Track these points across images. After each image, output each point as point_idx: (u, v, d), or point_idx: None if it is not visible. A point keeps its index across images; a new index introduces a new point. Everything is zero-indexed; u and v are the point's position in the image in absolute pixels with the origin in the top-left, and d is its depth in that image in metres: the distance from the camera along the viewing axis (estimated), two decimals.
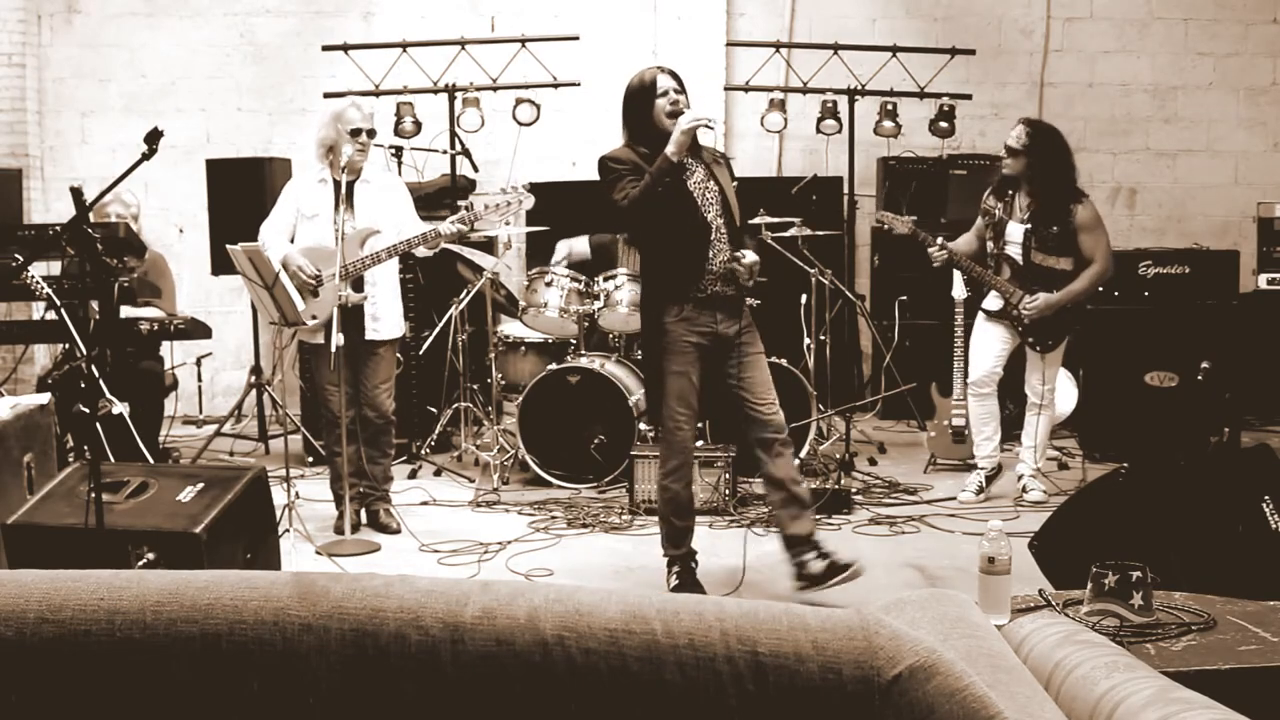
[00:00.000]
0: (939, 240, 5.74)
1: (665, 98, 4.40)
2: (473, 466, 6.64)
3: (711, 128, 4.35)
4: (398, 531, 5.45)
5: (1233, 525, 3.59)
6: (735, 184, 4.56)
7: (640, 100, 4.46)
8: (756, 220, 6.52)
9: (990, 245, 5.81)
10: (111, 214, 6.32)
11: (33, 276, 5.22)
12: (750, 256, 4.42)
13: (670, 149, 4.28)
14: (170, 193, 8.40)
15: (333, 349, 4.96)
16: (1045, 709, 1.50)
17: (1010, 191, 5.74)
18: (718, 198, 4.45)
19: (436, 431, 7.00)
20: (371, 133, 5.33)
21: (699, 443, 6.13)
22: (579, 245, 6.92)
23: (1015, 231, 5.72)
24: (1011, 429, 6.46)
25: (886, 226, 5.93)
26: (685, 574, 4.56)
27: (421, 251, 5.35)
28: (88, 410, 3.98)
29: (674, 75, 4.47)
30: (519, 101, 7.64)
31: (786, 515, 4.49)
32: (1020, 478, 5.90)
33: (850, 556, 4.45)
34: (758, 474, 4.70)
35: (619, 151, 4.48)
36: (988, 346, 5.83)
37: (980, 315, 5.89)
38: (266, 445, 7.36)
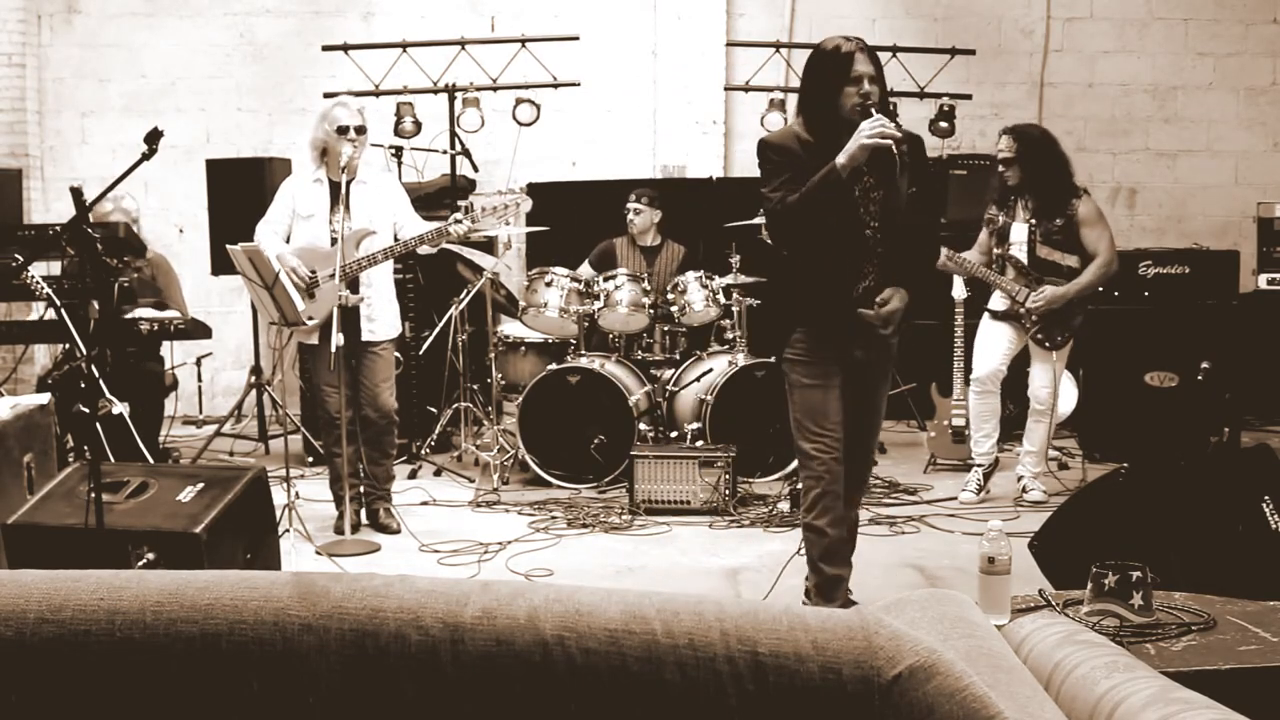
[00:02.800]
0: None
1: (857, 86, 3.68)
2: (473, 466, 6.64)
3: (900, 150, 3.67)
4: (398, 531, 5.45)
5: (1233, 525, 3.59)
6: (913, 189, 3.82)
7: (827, 74, 3.71)
8: (757, 220, 6.50)
9: (994, 250, 5.83)
10: (113, 215, 6.32)
11: (33, 276, 5.22)
12: (893, 302, 3.80)
13: (841, 159, 3.62)
14: (170, 193, 8.40)
15: (332, 349, 4.95)
16: (1045, 709, 1.50)
17: (1013, 198, 5.77)
18: (882, 210, 3.80)
19: (436, 431, 7.00)
20: (361, 129, 5.24)
21: (698, 442, 6.15)
22: (583, 271, 6.90)
23: (1019, 231, 5.74)
24: (1012, 429, 6.46)
25: None
26: None
27: (423, 249, 5.34)
28: (88, 410, 3.99)
29: (873, 58, 3.74)
30: (519, 101, 7.64)
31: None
32: (1020, 478, 5.90)
33: (861, 593, 4.18)
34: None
35: (780, 136, 3.86)
36: (993, 345, 5.83)
37: (985, 315, 5.90)
38: (266, 445, 7.36)
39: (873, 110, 3.67)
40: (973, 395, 5.93)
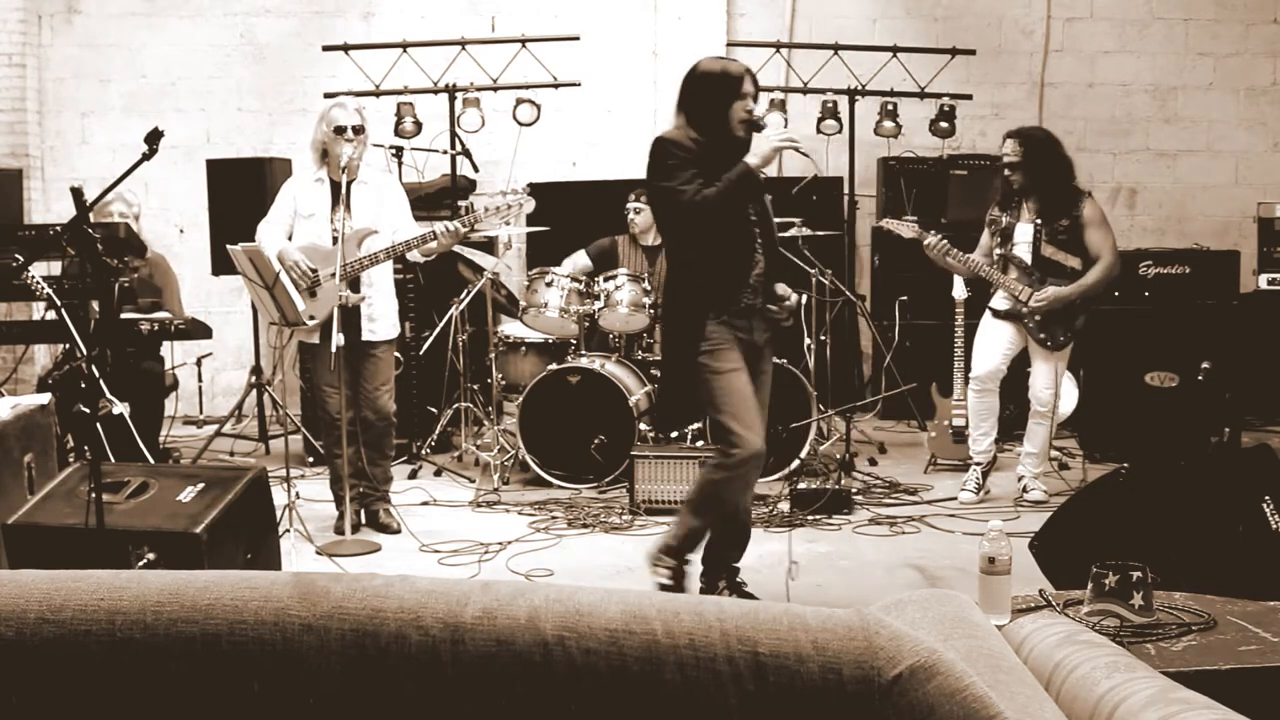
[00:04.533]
0: (936, 234, 5.83)
1: (744, 102, 4.15)
2: (473, 466, 6.64)
3: (806, 154, 4.21)
4: (398, 531, 5.45)
5: (1233, 525, 3.59)
6: (770, 198, 4.36)
7: (718, 91, 4.16)
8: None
9: (997, 250, 5.83)
10: (114, 213, 6.32)
11: (33, 276, 5.22)
12: (792, 299, 4.28)
13: (754, 160, 4.07)
14: (170, 193, 8.40)
15: (333, 349, 4.95)
16: (1045, 709, 1.50)
17: (1017, 199, 5.77)
18: (758, 206, 4.28)
19: (437, 432, 7.00)
20: (359, 129, 5.25)
21: (698, 442, 6.15)
22: (580, 260, 6.91)
23: (1024, 231, 5.74)
24: (1012, 429, 6.47)
25: (891, 232, 5.97)
26: (678, 577, 4.31)
27: (415, 256, 5.34)
28: (88, 410, 3.98)
29: (755, 80, 4.22)
30: (519, 101, 7.64)
31: (721, 545, 4.35)
32: (1020, 479, 5.90)
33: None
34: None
35: (677, 135, 4.18)
36: (993, 344, 5.83)
37: (987, 314, 5.89)
38: (267, 445, 7.36)
39: (760, 124, 4.15)
40: (971, 394, 5.93)
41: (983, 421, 5.91)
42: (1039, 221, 5.69)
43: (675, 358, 4.30)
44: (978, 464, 5.95)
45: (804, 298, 6.92)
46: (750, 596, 4.35)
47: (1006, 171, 5.72)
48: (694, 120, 4.19)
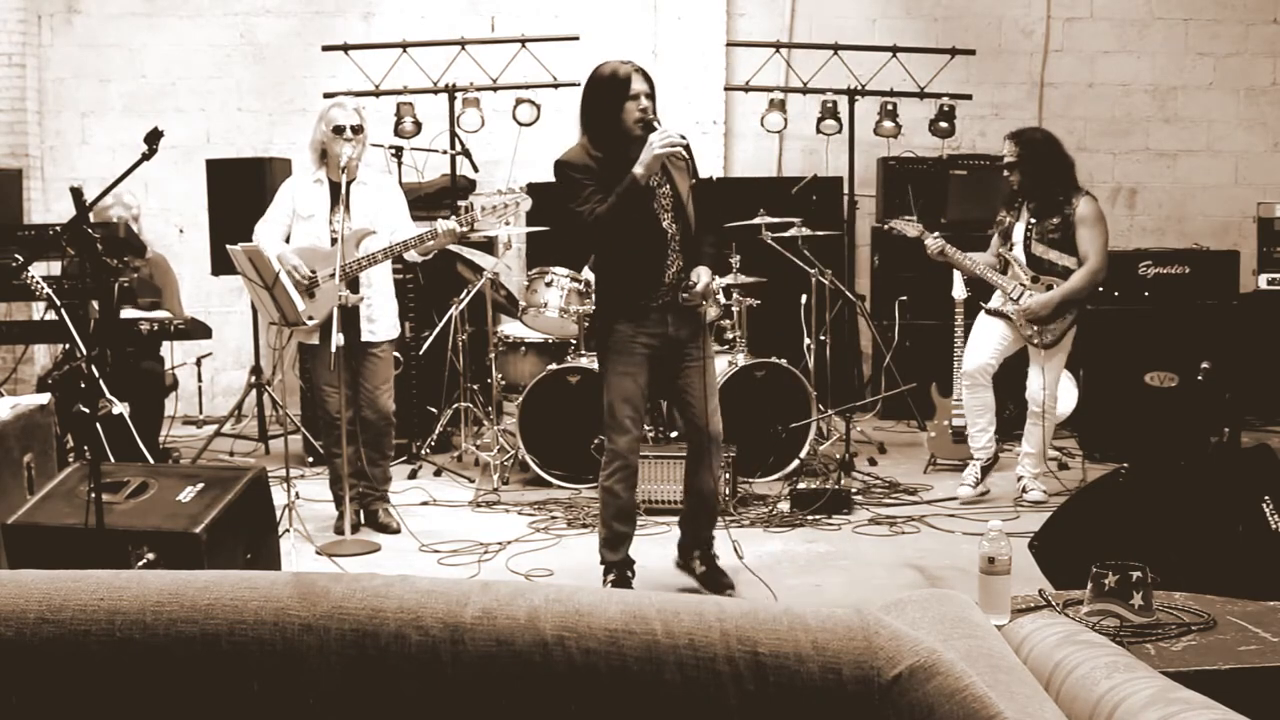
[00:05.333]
0: (937, 235, 5.88)
1: (636, 103, 4.17)
2: (473, 466, 6.64)
3: (685, 157, 4.21)
4: (397, 531, 5.45)
5: (1233, 525, 3.59)
6: (694, 181, 4.33)
7: (608, 96, 4.20)
8: (757, 220, 6.52)
9: (999, 250, 5.90)
10: (113, 216, 6.32)
11: (33, 276, 5.22)
12: (703, 280, 4.25)
13: (639, 170, 4.12)
14: (170, 193, 8.40)
15: (332, 350, 4.95)
16: (1045, 709, 1.50)
17: (1019, 201, 5.83)
18: (673, 203, 4.31)
19: (436, 431, 7.00)
20: (358, 129, 5.25)
21: None
22: (587, 273, 6.91)
23: (1019, 230, 5.79)
24: (1011, 429, 6.46)
25: (896, 232, 5.99)
26: (621, 582, 4.49)
27: (412, 256, 5.34)
28: (88, 410, 3.98)
29: (647, 77, 4.23)
30: (519, 101, 7.64)
31: (691, 525, 4.64)
32: (1020, 479, 5.90)
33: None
34: (685, 472, 4.69)
35: (575, 155, 4.27)
36: (985, 340, 5.85)
37: (982, 312, 5.92)
38: (266, 445, 7.36)
39: (655, 124, 4.17)
40: (963, 390, 5.95)
41: (979, 418, 5.91)
42: (1032, 221, 5.74)
43: (599, 358, 4.51)
44: (977, 459, 5.95)
45: (804, 297, 6.93)
46: (721, 571, 4.62)
47: (1005, 172, 5.78)
48: (591, 131, 4.27)
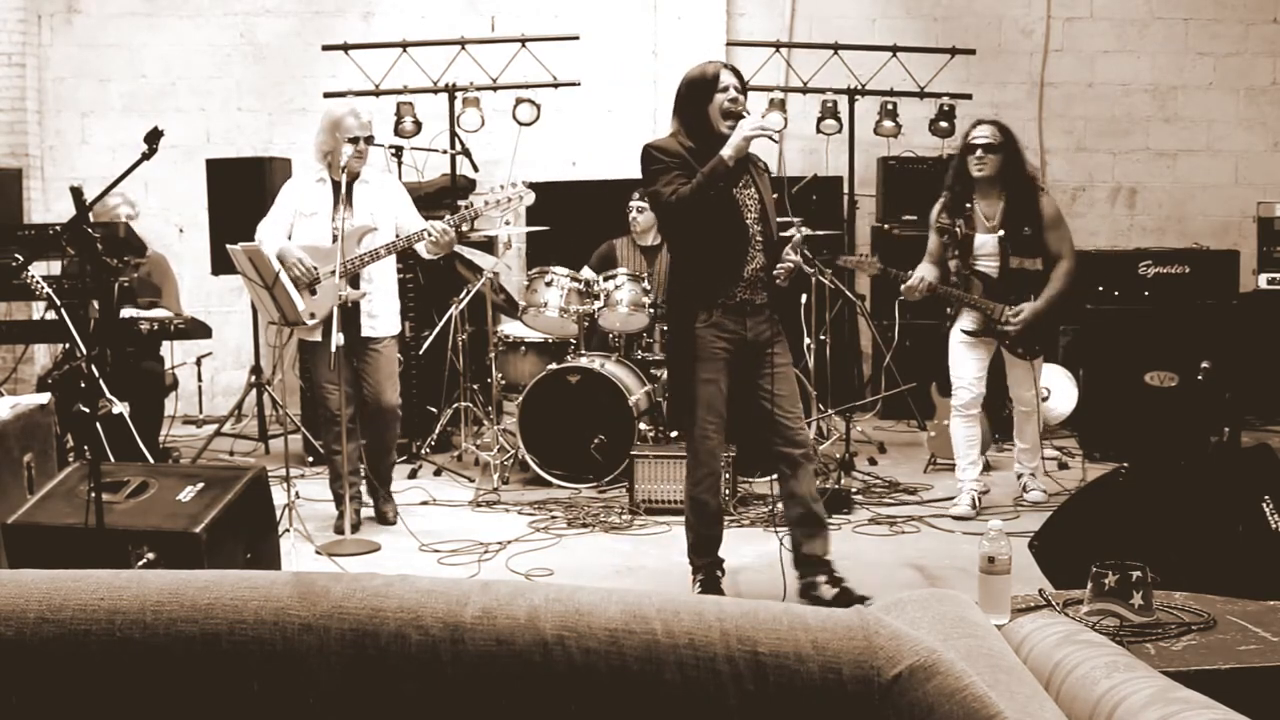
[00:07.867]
0: (910, 273, 5.55)
1: (725, 94, 4.27)
2: (473, 466, 6.64)
3: (775, 139, 4.29)
4: (394, 522, 5.47)
5: (1233, 525, 3.59)
6: (775, 196, 4.47)
7: (699, 92, 4.31)
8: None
9: (956, 264, 5.57)
10: (121, 215, 6.34)
11: (33, 276, 5.22)
12: (792, 258, 4.33)
13: (728, 152, 4.16)
14: (170, 193, 8.40)
15: (333, 348, 4.96)
16: (1045, 709, 1.50)
17: (968, 204, 5.54)
18: (757, 205, 4.35)
19: (436, 431, 7.00)
20: (369, 139, 5.34)
21: None
22: (587, 276, 6.89)
23: (987, 242, 5.51)
24: (1011, 429, 6.45)
25: (854, 270, 5.88)
26: (710, 582, 4.45)
27: (422, 249, 5.35)
28: (88, 410, 3.99)
29: (738, 74, 4.34)
30: (519, 101, 7.64)
31: (802, 534, 4.41)
32: (1019, 476, 5.89)
33: (863, 590, 4.39)
34: (780, 491, 4.49)
35: (665, 142, 4.33)
36: (969, 368, 5.61)
37: (957, 336, 5.65)
38: (266, 445, 7.36)
39: (745, 112, 4.24)
40: (958, 423, 5.66)
41: (970, 450, 5.66)
42: (1003, 233, 5.47)
43: (673, 359, 4.46)
44: (972, 490, 5.67)
45: (804, 297, 6.93)
46: (852, 594, 4.43)
47: (980, 153, 5.41)
48: (685, 125, 4.34)
